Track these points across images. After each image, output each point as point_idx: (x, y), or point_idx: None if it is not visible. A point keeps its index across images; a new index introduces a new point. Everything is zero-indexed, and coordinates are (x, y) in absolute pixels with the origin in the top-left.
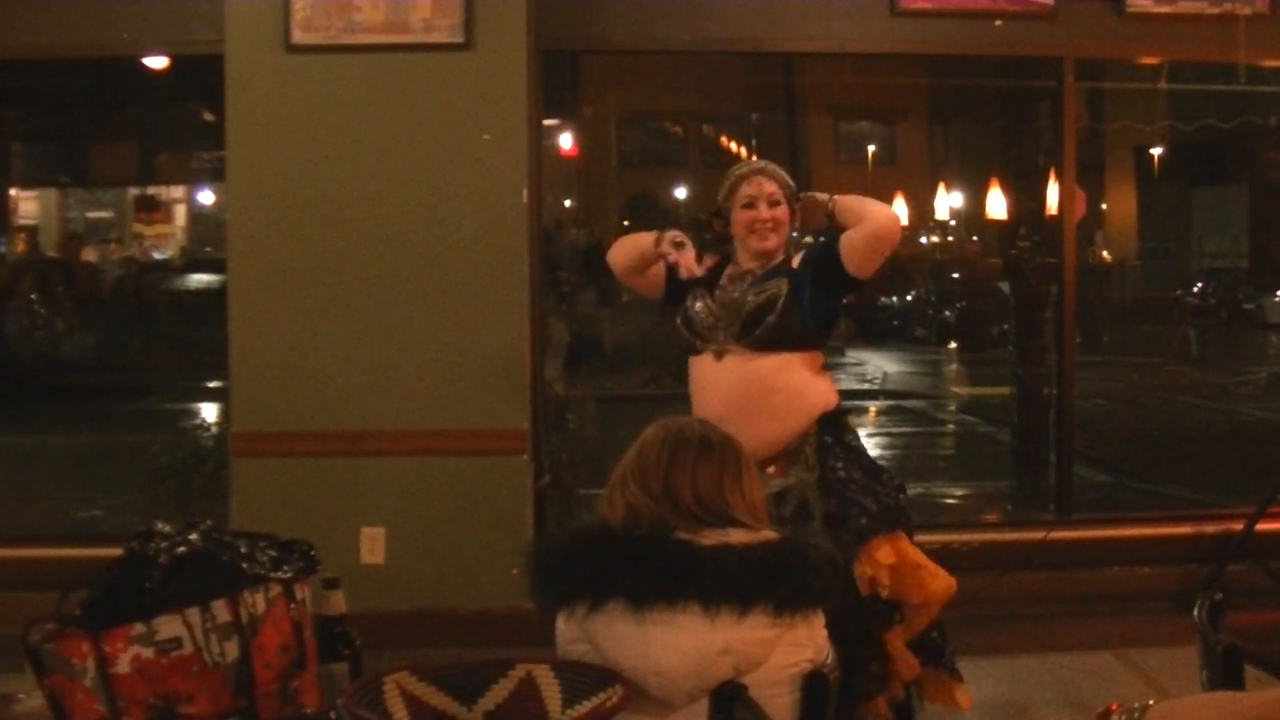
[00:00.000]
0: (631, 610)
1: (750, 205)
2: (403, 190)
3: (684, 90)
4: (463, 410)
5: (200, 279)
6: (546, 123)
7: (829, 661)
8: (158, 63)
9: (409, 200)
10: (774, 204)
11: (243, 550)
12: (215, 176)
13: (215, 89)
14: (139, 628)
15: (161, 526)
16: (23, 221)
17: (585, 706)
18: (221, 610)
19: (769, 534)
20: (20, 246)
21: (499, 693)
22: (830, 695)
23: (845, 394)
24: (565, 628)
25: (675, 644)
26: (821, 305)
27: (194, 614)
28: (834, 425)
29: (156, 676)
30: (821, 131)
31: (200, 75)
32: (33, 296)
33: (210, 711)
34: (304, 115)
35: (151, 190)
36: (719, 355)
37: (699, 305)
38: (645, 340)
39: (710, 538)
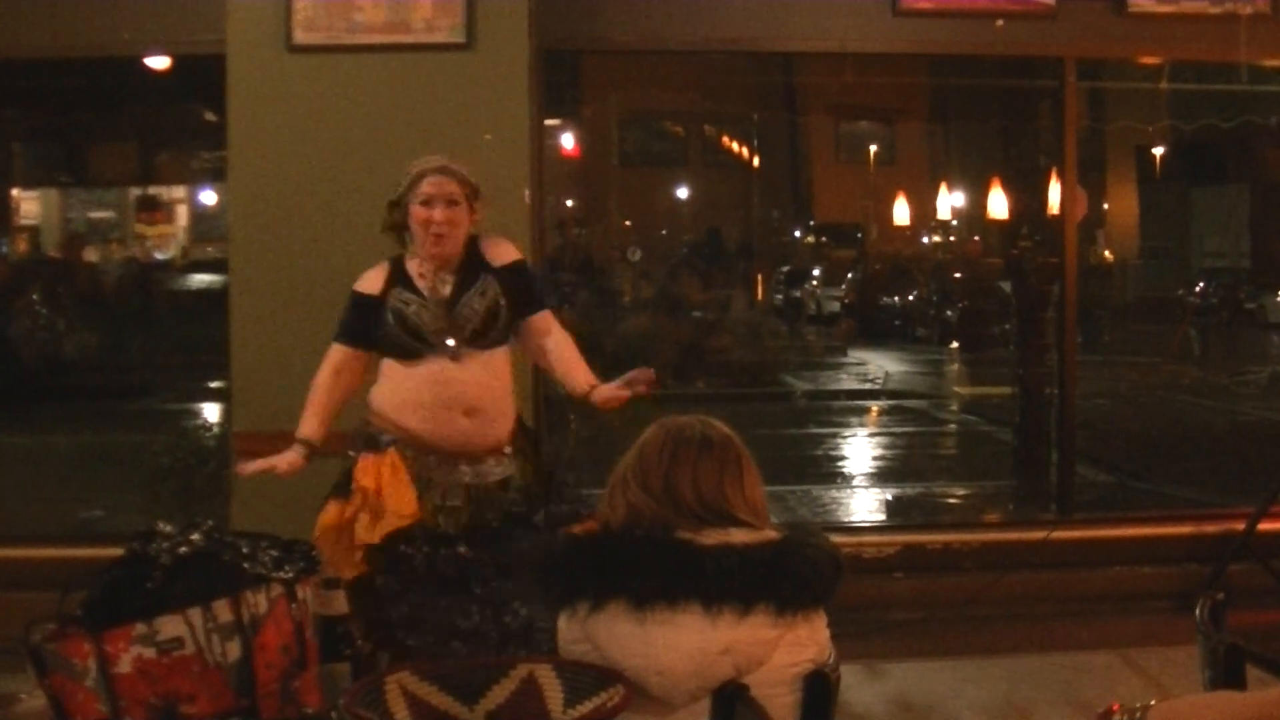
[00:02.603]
0: (633, 610)
1: (427, 203)
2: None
3: (685, 90)
4: None
5: (202, 279)
6: (548, 123)
7: (831, 661)
8: (159, 63)
9: None
10: (452, 204)
11: (244, 550)
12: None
13: (217, 89)
14: (140, 628)
15: (163, 526)
16: (24, 222)
17: (587, 706)
18: (223, 610)
19: (771, 533)
20: (22, 246)
21: (500, 693)
22: (833, 695)
23: (847, 394)
24: (566, 628)
25: (677, 644)
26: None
27: (196, 614)
28: (520, 420)
29: (158, 676)
30: (823, 131)
31: (202, 75)
32: (34, 297)
33: (211, 711)
34: (306, 115)
35: (153, 190)
36: (456, 357)
37: (414, 309)
38: (646, 340)
39: (711, 537)
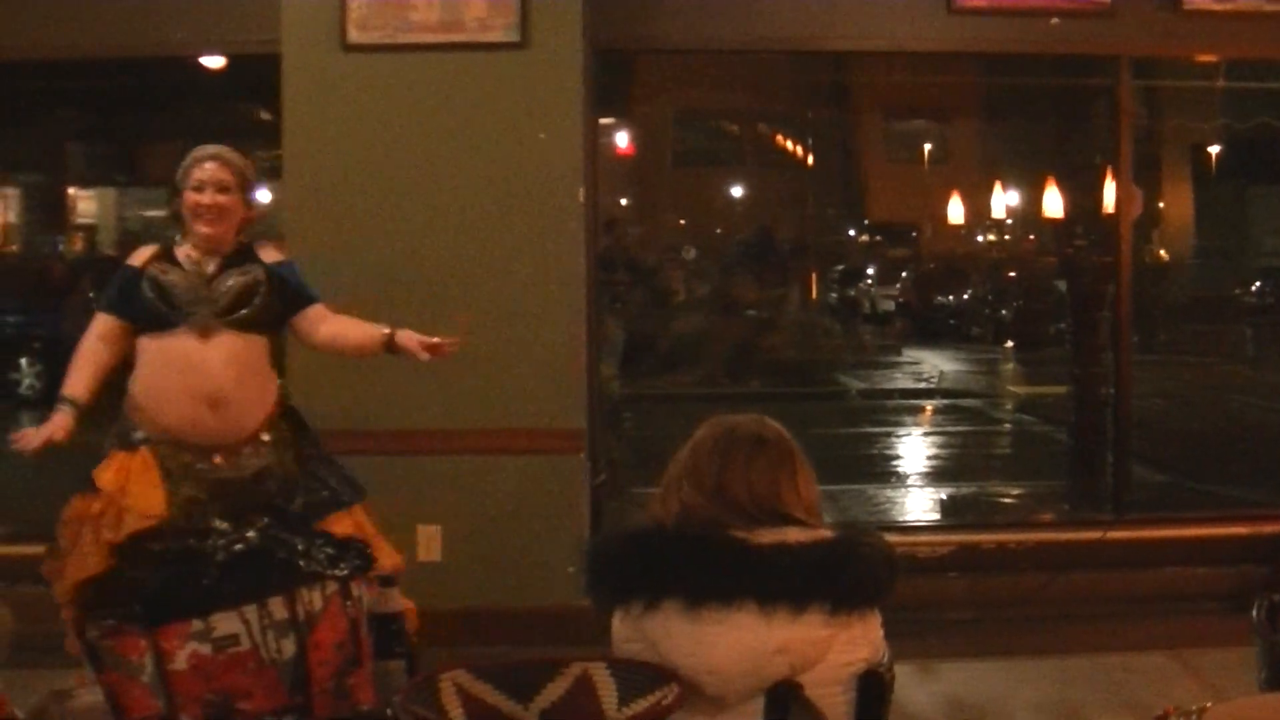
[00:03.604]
0: (687, 609)
1: (199, 189)
2: (458, 189)
3: (739, 89)
4: (519, 409)
5: None
6: (602, 122)
7: (885, 660)
8: (215, 62)
9: (464, 199)
10: (222, 190)
11: (300, 548)
12: (272, 175)
13: (272, 88)
14: (196, 624)
15: (219, 524)
16: (81, 220)
17: (640, 705)
18: (278, 607)
19: (825, 532)
20: (78, 245)
21: (554, 691)
22: (887, 694)
23: (902, 393)
24: (621, 626)
25: (731, 643)
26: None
27: (251, 611)
28: (287, 408)
29: (213, 673)
30: (877, 130)
31: (257, 75)
32: (90, 294)
33: (266, 708)
34: (360, 114)
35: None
36: (205, 333)
37: (171, 276)
38: (700, 339)
39: (766, 536)
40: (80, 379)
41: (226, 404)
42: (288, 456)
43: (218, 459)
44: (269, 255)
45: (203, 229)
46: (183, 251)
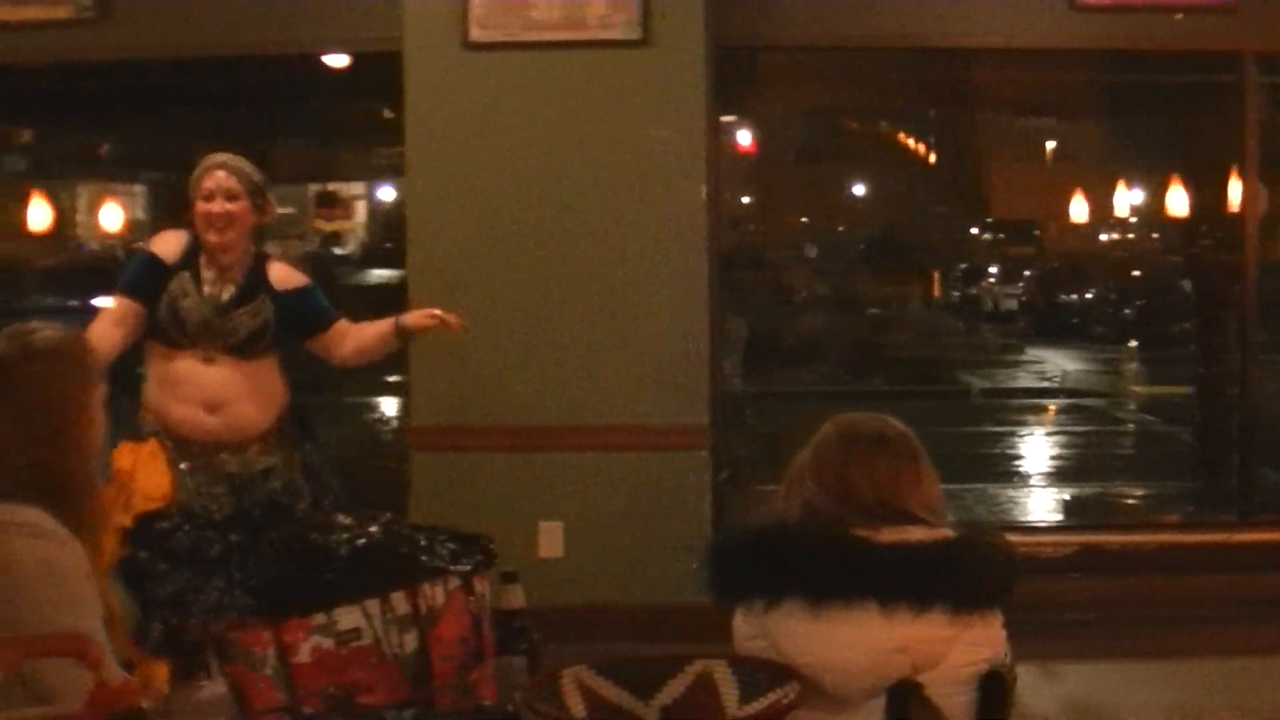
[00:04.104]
0: (808, 607)
1: (208, 198)
2: (580, 186)
3: (861, 86)
4: (642, 406)
5: (379, 273)
6: (723, 119)
7: (1007, 661)
8: (338, 60)
9: (586, 196)
10: (230, 198)
11: (422, 543)
12: (395, 172)
13: (394, 86)
14: (319, 618)
15: (341, 518)
16: None
17: (761, 703)
18: (400, 602)
19: (947, 532)
20: None
21: (675, 688)
22: (1008, 695)
23: (1024, 392)
24: (743, 624)
25: (852, 642)
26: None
27: (373, 605)
28: (296, 414)
29: (335, 666)
30: (999, 128)
31: (379, 73)
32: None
33: (388, 702)
34: (482, 112)
35: (332, 186)
36: (208, 361)
37: (188, 303)
38: (823, 337)
39: (887, 535)
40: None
41: (223, 408)
42: (292, 459)
43: (224, 455)
44: (283, 279)
45: (213, 237)
46: (203, 261)
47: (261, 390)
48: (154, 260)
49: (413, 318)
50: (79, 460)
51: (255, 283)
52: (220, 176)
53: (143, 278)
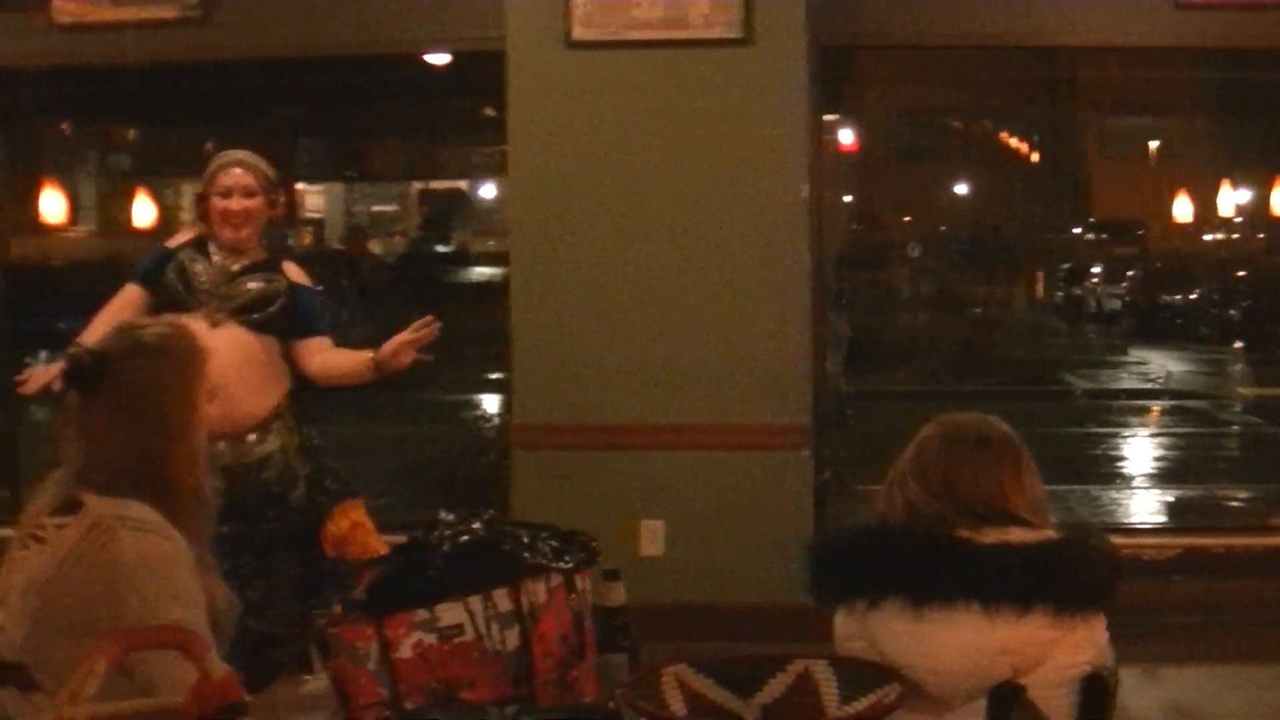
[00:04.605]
0: (910, 608)
1: (226, 195)
2: (683, 185)
3: (963, 85)
4: (743, 405)
5: (482, 271)
6: (825, 118)
7: (1110, 664)
8: (440, 59)
9: (689, 195)
10: (248, 195)
11: (524, 540)
12: (497, 171)
13: (496, 85)
14: (421, 614)
15: (445, 515)
16: (310, 215)
17: (862, 703)
18: (503, 599)
19: (1050, 533)
20: (306, 240)
21: (776, 687)
22: (1111, 698)
23: (1127, 393)
24: (844, 624)
25: (954, 643)
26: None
27: (475, 601)
28: (299, 401)
29: (437, 662)
30: (1102, 126)
31: (481, 71)
32: (319, 288)
33: (490, 697)
34: (584, 111)
35: (434, 185)
36: (214, 324)
37: (199, 266)
38: (925, 337)
39: (990, 535)
40: (95, 336)
41: (223, 393)
42: (290, 445)
43: (221, 445)
44: (294, 274)
45: (229, 234)
46: (211, 248)
47: (264, 373)
48: (165, 250)
49: (392, 347)
50: (185, 455)
51: (267, 264)
52: (237, 174)
53: (154, 267)
